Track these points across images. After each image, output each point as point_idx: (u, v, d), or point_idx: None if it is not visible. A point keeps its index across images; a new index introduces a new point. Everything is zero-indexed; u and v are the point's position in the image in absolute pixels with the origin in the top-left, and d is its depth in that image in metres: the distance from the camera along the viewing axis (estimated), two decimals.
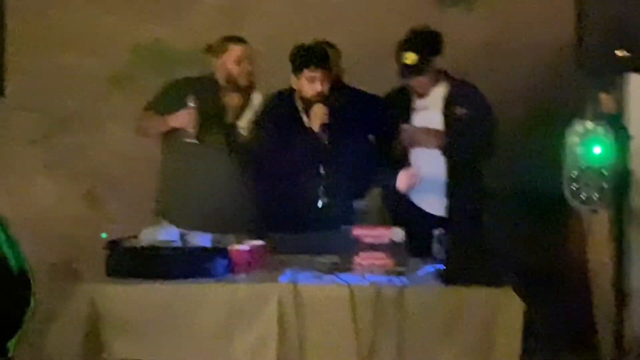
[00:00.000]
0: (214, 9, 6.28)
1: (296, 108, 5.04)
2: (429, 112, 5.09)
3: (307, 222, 4.91)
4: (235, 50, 5.18)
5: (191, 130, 5.01)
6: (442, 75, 5.13)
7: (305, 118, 5.02)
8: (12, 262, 2.83)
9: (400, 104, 5.16)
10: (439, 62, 5.07)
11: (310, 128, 4.96)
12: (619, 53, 4.33)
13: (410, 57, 4.98)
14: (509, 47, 5.98)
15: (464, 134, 4.97)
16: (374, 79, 5.70)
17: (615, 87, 4.62)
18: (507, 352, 4.19)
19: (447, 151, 5.01)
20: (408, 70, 5.00)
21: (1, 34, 5.05)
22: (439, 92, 5.12)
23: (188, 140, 5.02)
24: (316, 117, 4.90)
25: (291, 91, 5.08)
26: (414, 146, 5.05)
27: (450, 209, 5.05)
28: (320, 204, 4.92)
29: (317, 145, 4.93)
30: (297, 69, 4.97)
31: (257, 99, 5.21)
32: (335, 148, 4.97)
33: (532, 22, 5.93)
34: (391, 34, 5.98)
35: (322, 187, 4.93)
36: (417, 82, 5.05)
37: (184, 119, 5.01)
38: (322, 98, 4.93)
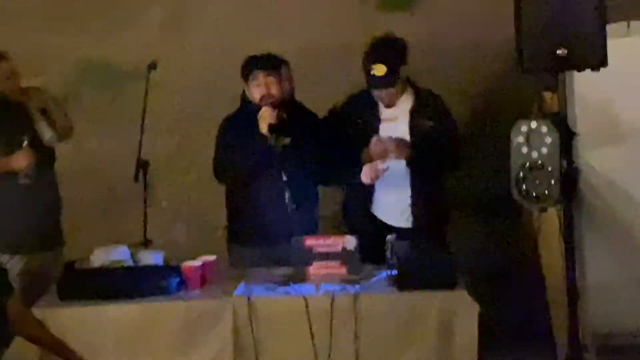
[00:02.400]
0: (157, 24, 6.25)
1: (254, 116, 5.04)
2: (397, 123, 5.03)
3: (274, 231, 4.88)
4: (2, 67, 5.18)
5: (29, 172, 5.02)
6: (406, 83, 5.09)
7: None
8: None
9: (366, 111, 5.09)
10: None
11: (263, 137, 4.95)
12: (559, 52, 4.37)
13: (379, 69, 4.90)
14: (450, 47, 6.00)
15: (430, 146, 4.93)
16: (318, 84, 5.73)
17: (558, 85, 4.65)
18: (464, 354, 4.22)
19: (413, 162, 4.95)
20: (377, 82, 4.94)
21: None
22: (405, 103, 5.06)
23: (22, 182, 5.01)
24: (262, 119, 4.89)
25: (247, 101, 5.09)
26: (384, 157, 4.95)
27: (414, 218, 5.01)
28: (289, 210, 4.88)
29: (274, 152, 4.91)
30: (245, 77, 5.00)
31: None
32: (290, 153, 4.95)
33: (473, 22, 5.95)
34: (335, 39, 6.05)
35: (287, 193, 4.90)
36: (386, 93, 4.99)
37: (24, 160, 5.00)
38: (272, 101, 4.93)
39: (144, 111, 5.19)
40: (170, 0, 6.30)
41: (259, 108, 4.92)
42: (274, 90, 4.96)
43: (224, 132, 5.04)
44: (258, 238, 4.92)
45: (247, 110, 5.02)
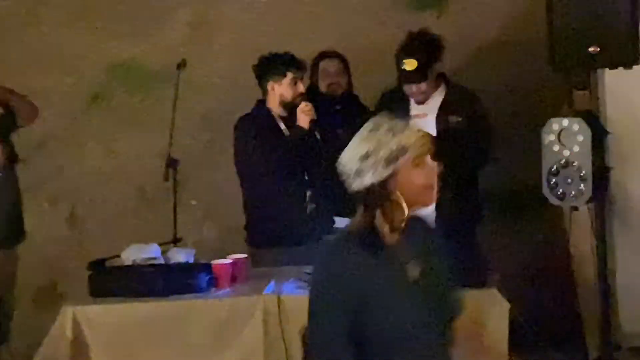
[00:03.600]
0: (185, 25, 6.27)
1: (270, 117, 5.04)
2: (426, 119, 5.01)
3: (295, 232, 4.89)
4: None
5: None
6: (440, 80, 5.07)
7: (282, 125, 5.03)
8: None
9: (396, 107, 5.09)
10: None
11: (290, 135, 4.95)
12: (591, 49, 4.34)
13: (411, 64, 4.88)
14: (480, 45, 5.98)
15: (456, 142, 4.90)
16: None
17: (590, 83, 4.62)
18: (494, 353, 4.19)
19: (438, 159, 4.92)
20: (408, 76, 4.93)
21: None
22: (436, 100, 5.04)
23: None
24: (304, 114, 4.90)
25: (261, 102, 5.09)
26: None
27: (438, 215, 5.01)
28: (308, 210, 4.89)
29: (299, 151, 4.92)
30: (278, 73, 4.98)
31: None
32: (321, 150, 4.96)
33: (503, 20, 5.94)
34: (365, 39, 6.04)
35: (309, 193, 4.92)
36: (417, 89, 4.97)
37: None
38: (303, 98, 4.96)
39: (174, 110, 5.21)
40: (199, 1, 6.31)
41: (293, 106, 4.93)
42: (303, 89, 5.00)
43: (244, 133, 5.03)
44: (277, 239, 4.92)
45: (263, 112, 5.04)
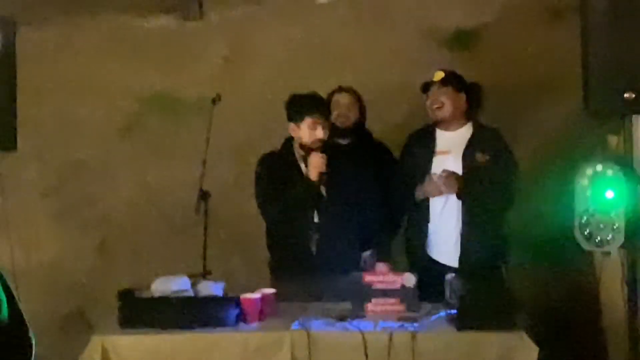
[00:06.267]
0: (220, 58, 6.33)
1: (292, 156, 5.07)
2: (450, 155, 5.04)
3: (303, 270, 4.90)
4: None
5: None
6: (470, 119, 5.13)
7: (303, 166, 5.04)
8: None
9: (421, 145, 5.14)
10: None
11: (307, 176, 4.97)
12: (626, 95, 4.34)
13: (438, 75, 5.03)
14: (513, 86, 5.99)
15: (482, 181, 4.92)
16: (379, 121, 5.74)
17: (624, 129, 4.61)
18: None
19: (464, 197, 4.96)
20: (432, 84, 5.05)
21: (12, 86, 5.12)
22: (463, 135, 5.08)
23: None
24: (314, 167, 4.91)
25: (288, 140, 5.13)
26: (437, 194, 4.98)
27: (463, 254, 5.01)
28: (314, 251, 4.93)
29: (312, 193, 4.94)
30: (299, 116, 4.99)
31: None
32: (333, 197, 4.97)
33: (537, 61, 5.94)
34: (394, 76, 6.07)
35: (315, 236, 4.94)
36: (437, 95, 5.05)
37: None
38: (322, 145, 4.96)
39: (207, 143, 5.24)
40: (233, 35, 6.37)
41: (306, 149, 4.94)
42: (323, 134, 4.97)
43: (264, 170, 5.06)
44: (295, 275, 4.92)
45: (287, 150, 5.06)
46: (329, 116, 5.11)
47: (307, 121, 4.95)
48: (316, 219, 4.96)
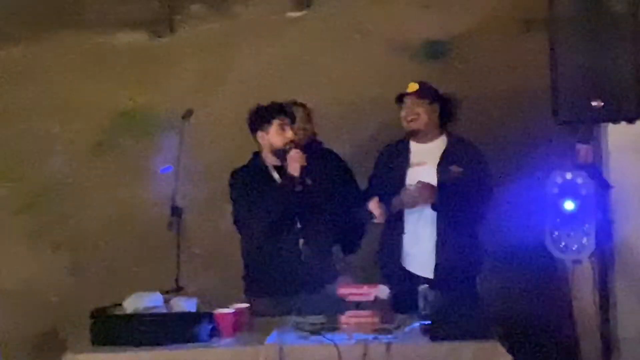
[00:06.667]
0: (192, 74, 6.32)
1: (264, 167, 5.08)
2: (426, 167, 5.05)
3: (291, 280, 4.91)
4: None
5: None
6: (444, 130, 5.14)
7: (275, 174, 5.06)
8: None
9: (397, 156, 5.15)
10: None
11: (281, 184, 4.98)
12: (594, 103, 4.37)
13: (412, 86, 5.04)
14: (483, 97, 6.02)
15: (457, 192, 4.93)
16: (351, 134, 5.76)
17: (593, 137, 4.65)
18: None
19: (439, 209, 4.97)
20: (407, 96, 5.06)
21: None
22: (437, 147, 5.10)
23: None
24: (294, 161, 4.93)
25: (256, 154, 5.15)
26: (413, 206, 4.99)
27: (437, 265, 5.02)
28: (303, 256, 4.93)
29: (290, 199, 4.95)
30: (265, 122, 5.03)
31: None
32: (311, 198, 4.99)
33: (507, 72, 5.98)
34: (367, 89, 6.09)
35: (301, 240, 4.96)
36: (410, 109, 5.05)
37: None
38: (294, 145, 4.99)
39: (179, 159, 5.23)
40: (205, 52, 6.37)
41: (281, 152, 4.96)
42: (292, 135, 5.02)
43: (238, 185, 5.07)
44: (275, 289, 4.93)
45: (257, 163, 5.07)
46: (295, 120, 5.13)
47: (275, 124, 5.01)
48: (299, 225, 4.97)
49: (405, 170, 5.10)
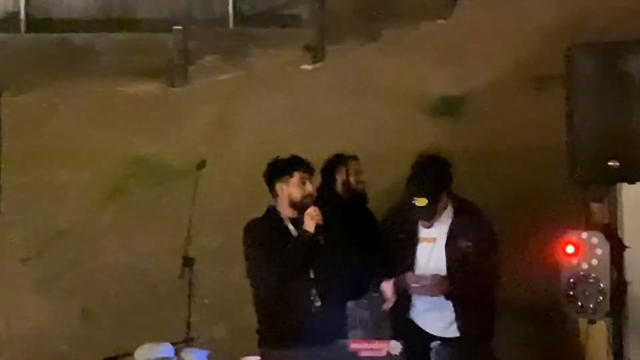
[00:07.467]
0: (205, 124, 6.35)
1: (280, 219, 5.07)
2: (435, 244, 4.97)
3: (304, 332, 4.87)
4: None
5: None
6: (447, 200, 5.04)
7: (291, 227, 5.04)
8: None
9: (405, 228, 5.06)
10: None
11: (297, 236, 4.97)
12: (611, 164, 4.36)
13: (421, 201, 4.92)
14: (497, 154, 6.02)
15: (467, 269, 4.86)
16: (367, 186, 5.75)
17: (608, 196, 4.63)
18: None
19: (453, 300, 4.90)
20: (419, 213, 4.95)
21: None
22: (444, 223, 4.99)
23: None
24: (311, 219, 4.91)
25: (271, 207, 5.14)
26: (418, 294, 4.93)
27: (451, 325, 4.96)
28: (314, 309, 4.89)
29: (305, 251, 4.94)
30: (286, 174, 5.01)
31: None
32: (327, 251, 4.97)
33: (521, 129, 5.98)
34: (380, 143, 6.10)
35: (314, 290, 4.92)
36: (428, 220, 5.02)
37: None
38: (313, 199, 4.98)
39: (192, 210, 5.23)
40: (219, 102, 6.41)
41: (299, 205, 4.95)
42: (312, 189, 5.01)
43: (254, 237, 5.04)
44: (287, 340, 4.88)
45: (273, 215, 5.05)
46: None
47: (296, 177, 4.97)
48: (312, 275, 4.94)
49: (416, 247, 5.02)
